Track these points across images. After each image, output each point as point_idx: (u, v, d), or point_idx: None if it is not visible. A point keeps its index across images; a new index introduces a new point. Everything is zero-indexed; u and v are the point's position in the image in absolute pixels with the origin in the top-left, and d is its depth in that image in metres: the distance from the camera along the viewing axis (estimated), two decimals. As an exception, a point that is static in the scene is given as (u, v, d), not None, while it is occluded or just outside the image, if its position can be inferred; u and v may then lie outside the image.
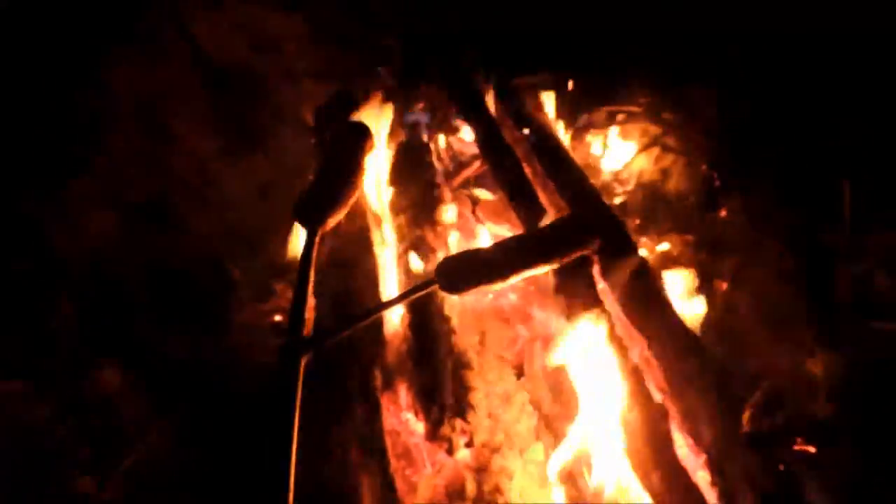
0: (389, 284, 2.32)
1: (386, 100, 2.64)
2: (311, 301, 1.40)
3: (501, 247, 1.39)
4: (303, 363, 1.24)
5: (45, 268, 1.92)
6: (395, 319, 2.25)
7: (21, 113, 2.11)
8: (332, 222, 1.49)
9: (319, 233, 1.45)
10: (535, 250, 1.39)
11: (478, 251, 1.37)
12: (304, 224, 1.44)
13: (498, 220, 2.67)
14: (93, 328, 1.91)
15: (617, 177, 2.77)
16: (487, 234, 2.64)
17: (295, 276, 2.32)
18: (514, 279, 1.47)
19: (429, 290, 1.36)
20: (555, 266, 1.51)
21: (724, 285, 2.29)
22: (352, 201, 1.55)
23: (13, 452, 1.66)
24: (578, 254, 1.57)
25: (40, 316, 1.87)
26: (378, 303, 2.14)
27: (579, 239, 1.47)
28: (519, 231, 2.48)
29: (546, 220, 1.98)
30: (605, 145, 2.84)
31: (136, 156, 2.24)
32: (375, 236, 2.35)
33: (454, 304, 2.26)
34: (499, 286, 1.46)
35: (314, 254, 1.40)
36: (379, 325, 2.15)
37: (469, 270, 1.31)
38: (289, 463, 1.11)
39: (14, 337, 1.81)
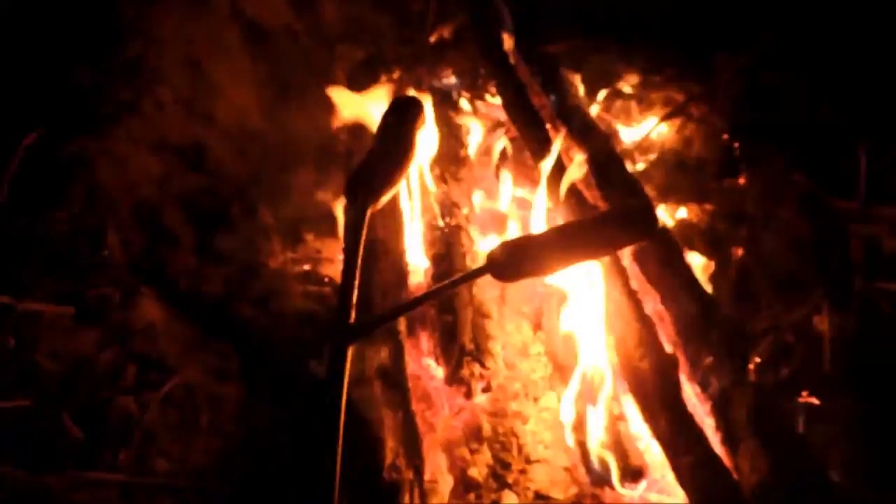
0: (414, 240, 2.41)
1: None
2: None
3: (556, 235, 1.32)
4: (350, 351, 1.18)
5: (94, 203, 2.04)
6: (419, 271, 2.35)
7: (75, 57, 2.22)
8: (383, 201, 1.41)
9: (369, 212, 1.36)
10: (592, 241, 1.30)
11: (531, 239, 1.30)
12: (353, 203, 1.38)
13: (522, 181, 2.75)
14: (136, 262, 2.03)
15: (639, 144, 2.84)
16: (510, 195, 2.73)
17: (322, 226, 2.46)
18: (566, 268, 1.39)
19: (480, 276, 1.27)
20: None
21: (740, 251, 2.36)
22: (403, 178, 1.48)
23: (63, 373, 1.78)
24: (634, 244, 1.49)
25: (89, 247, 1.99)
26: (403, 265, 2.23)
27: (638, 229, 1.40)
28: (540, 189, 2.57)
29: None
30: (628, 112, 2.90)
31: (179, 103, 2.34)
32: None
33: (475, 257, 2.36)
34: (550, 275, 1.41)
35: (363, 234, 1.32)
36: (404, 274, 2.25)
37: (522, 260, 1.24)
38: (336, 448, 1.09)
39: (65, 266, 1.93)
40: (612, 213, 1.35)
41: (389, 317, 1.42)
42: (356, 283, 1.25)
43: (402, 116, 1.47)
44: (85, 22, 2.29)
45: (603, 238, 1.30)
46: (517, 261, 1.23)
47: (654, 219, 1.32)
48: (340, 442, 1.07)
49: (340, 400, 1.10)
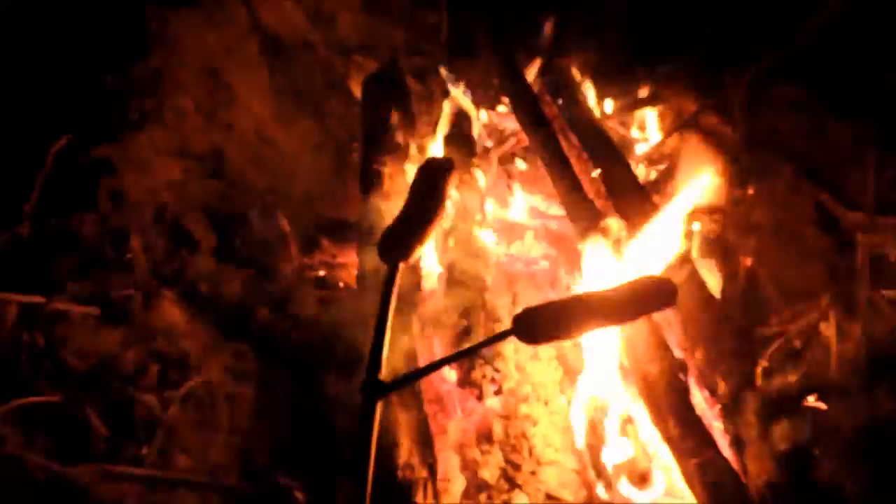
0: (428, 246, 2.45)
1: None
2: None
3: (579, 303, 1.37)
4: (378, 406, 1.23)
5: (119, 207, 2.10)
6: (432, 276, 2.40)
7: (102, 66, 2.30)
8: (414, 257, 1.47)
9: (401, 267, 1.42)
10: (614, 309, 1.37)
11: (556, 305, 1.36)
12: (387, 261, 1.42)
13: (532, 189, 2.80)
14: (158, 264, 2.09)
15: (650, 155, 2.88)
16: (522, 203, 2.78)
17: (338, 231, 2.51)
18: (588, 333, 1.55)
19: (505, 339, 1.33)
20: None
21: (748, 260, 2.40)
22: (433, 234, 1.52)
23: (89, 371, 1.84)
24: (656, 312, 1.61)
25: (114, 250, 2.06)
26: (417, 271, 2.28)
27: (660, 301, 1.49)
28: (553, 200, 2.62)
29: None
30: (639, 124, 2.95)
31: (199, 111, 2.41)
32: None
33: (487, 265, 2.40)
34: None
35: (395, 290, 1.37)
36: (418, 279, 2.30)
37: (547, 325, 1.31)
38: (364, 496, 1.16)
39: (92, 268, 1.99)
40: (634, 286, 1.44)
41: (419, 375, 1.48)
42: (387, 338, 1.31)
43: (433, 177, 1.53)
44: (111, 32, 2.36)
45: (624, 307, 1.37)
46: (542, 325, 1.30)
47: (675, 292, 1.40)
48: (369, 490, 1.12)
49: (370, 452, 1.16)
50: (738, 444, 1.72)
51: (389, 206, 2.25)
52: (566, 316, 1.32)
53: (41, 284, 1.87)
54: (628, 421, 1.99)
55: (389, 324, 1.33)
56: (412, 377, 1.44)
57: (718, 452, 1.67)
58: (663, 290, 1.41)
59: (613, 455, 1.94)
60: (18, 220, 1.99)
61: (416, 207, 1.48)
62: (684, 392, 1.81)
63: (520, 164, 2.93)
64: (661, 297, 1.41)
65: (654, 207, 2.24)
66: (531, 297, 2.47)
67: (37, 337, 1.78)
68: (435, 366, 1.41)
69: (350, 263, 2.51)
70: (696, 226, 2.62)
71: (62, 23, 2.36)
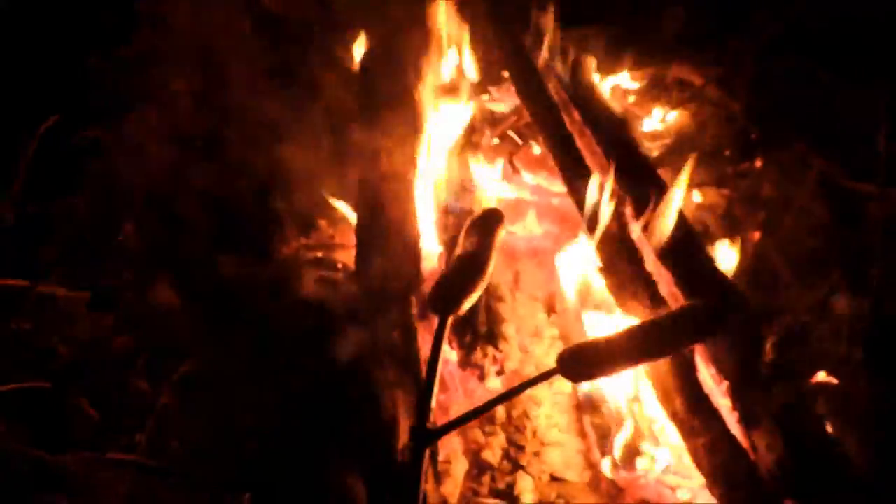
0: (428, 225, 2.40)
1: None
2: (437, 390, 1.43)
3: (623, 340, 1.40)
4: (427, 453, 1.30)
5: (109, 190, 2.06)
6: (432, 255, 2.35)
7: (91, 46, 2.25)
8: (464, 307, 1.51)
9: (450, 320, 1.46)
10: (658, 342, 1.40)
11: (599, 343, 1.39)
12: (437, 313, 1.48)
13: (535, 168, 2.74)
14: (150, 248, 2.05)
15: (655, 129, 2.82)
16: (524, 181, 2.72)
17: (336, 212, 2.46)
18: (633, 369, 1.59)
19: (550, 378, 1.39)
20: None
21: (757, 234, 2.34)
22: (482, 287, 1.57)
23: (79, 356, 1.81)
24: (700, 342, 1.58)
25: (104, 234, 2.02)
26: (417, 251, 2.23)
27: (704, 329, 1.45)
28: (555, 177, 2.56)
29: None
30: (644, 97, 2.88)
31: (193, 92, 2.36)
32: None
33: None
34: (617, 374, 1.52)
35: (444, 343, 1.43)
36: (417, 259, 2.25)
37: (591, 362, 1.36)
38: None
39: (81, 252, 1.95)
40: (677, 315, 1.44)
41: (465, 420, 1.48)
42: (436, 389, 1.38)
43: (483, 229, 1.58)
44: (100, 11, 2.31)
45: (668, 340, 1.40)
46: (586, 363, 1.35)
47: (720, 318, 1.41)
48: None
49: (417, 497, 1.24)
50: (746, 421, 1.67)
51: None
52: (611, 353, 1.36)
53: (27, 269, 1.83)
54: (634, 400, 1.94)
55: (439, 374, 1.40)
56: (458, 422, 1.46)
57: (726, 431, 1.63)
58: (706, 317, 1.43)
59: (619, 434, 1.90)
60: (4, 202, 1.95)
61: (468, 259, 1.52)
62: (691, 370, 1.76)
63: (521, 141, 2.87)
64: (706, 325, 1.44)
65: (662, 183, 2.18)
66: (533, 276, 2.42)
67: (23, 322, 1.75)
68: (481, 410, 1.44)
69: (348, 244, 2.46)
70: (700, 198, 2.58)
71: (50, 1, 2.31)
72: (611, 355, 1.36)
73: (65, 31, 2.25)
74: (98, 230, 2.01)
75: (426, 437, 1.31)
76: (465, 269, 1.52)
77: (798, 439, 1.54)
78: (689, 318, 1.44)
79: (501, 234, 1.62)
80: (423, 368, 1.95)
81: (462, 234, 1.61)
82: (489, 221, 1.61)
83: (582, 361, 1.35)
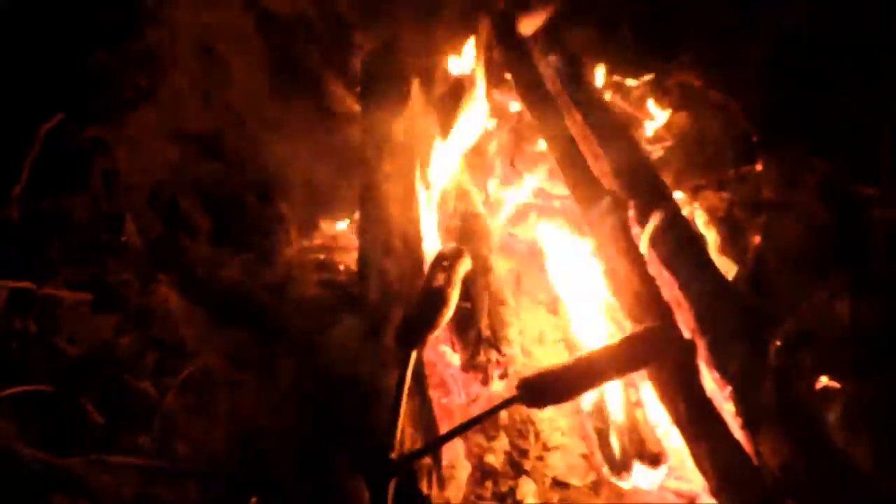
0: (430, 228, 2.40)
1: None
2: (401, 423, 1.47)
3: (581, 364, 1.48)
4: (392, 485, 1.32)
5: (112, 189, 2.05)
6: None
7: (94, 44, 2.24)
8: (429, 341, 1.61)
9: (414, 354, 1.53)
10: (610, 366, 1.48)
11: (555, 370, 1.47)
12: (402, 348, 1.53)
13: (536, 168, 2.74)
14: (154, 248, 2.04)
15: (657, 130, 2.82)
16: (526, 183, 2.73)
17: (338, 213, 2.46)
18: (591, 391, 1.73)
19: (513, 405, 1.48)
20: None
21: (757, 238, 2.34)
22: (445, 322, 1.66)
23: (83, 358, 1.80)
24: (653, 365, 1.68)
25: (108, 234, 2.01)
26: (420, 254, 2.23)
27: (655, 353, 1.55)
28: (557, 180, 2.56)
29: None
30: (646, 99, 2.88)
31: (195, 90, 2.35)
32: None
33: (491, 245, 2.35)
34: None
35: (409, 375, 1.47)
36: (419, 261, 2.25)
37: (549, 389, 1.43)
38: None
39: (84, 252, 1.95)
40: (631, 339, 1.54)
41: (428, 450, 1.55)
42: (401, 420, 1.40)
43: (446, 266, 1.70)
44: (103, 9, 2.30)
45: (624, 362, 1.49)
46: (547, 389, 1.42)
47: (672, 340, 1.56)
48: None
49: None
50: (750, 426, 1.67)
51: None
52: (570, 378, 1.44)
53: (32, 269, 1.82)
54: (637, 404, 1.95)
55: (404, 406, 1.43)
56: (421, 452, 1.52)
57: (730, 435, 1.63)
58: (659, 339, 1.55)
59: (622, 439, 1.90)
60: (7, 202, 1.94)
61: (432, 295, 1.62)
62: (694, 373, 1.76)
63: (523, 143, 2.86)
64: (659, 347, 1.55)
65: (664, 186, 2.18)
66: (535, 278, 2.43)
67: (28, 323, 1.74)
68: (446, 437, 1.50)
69: (350, 246, 2.46)
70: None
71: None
72: (570, 380, 1.44)
73: (68, 29, 2.24)
74: (102, 230, 2.01)
75: (389, 470, 1.33)
76: (430, 304, 1.61)
77: (802, 443, 1.55)
78: (639, 344, 1.52)
79: (462, 270, 1.74)
80: (424, 372, 1.97)
81: (429, 269, 1.72)
82: (451, 259, 1.72)
83: (542, 389, 1.41)
